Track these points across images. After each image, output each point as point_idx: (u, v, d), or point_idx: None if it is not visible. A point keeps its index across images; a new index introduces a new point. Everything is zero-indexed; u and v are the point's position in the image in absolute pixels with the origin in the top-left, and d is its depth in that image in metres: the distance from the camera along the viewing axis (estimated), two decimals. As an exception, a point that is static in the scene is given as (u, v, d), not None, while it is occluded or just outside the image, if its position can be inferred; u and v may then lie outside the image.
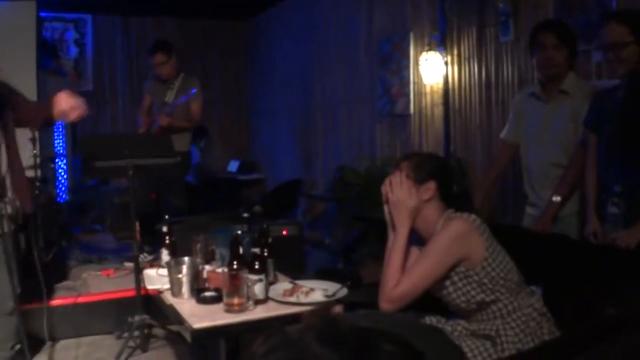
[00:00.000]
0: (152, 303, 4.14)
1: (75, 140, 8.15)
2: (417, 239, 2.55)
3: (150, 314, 4.11)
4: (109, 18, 8.82)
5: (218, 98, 9.03)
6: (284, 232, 4.53)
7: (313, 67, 7.58)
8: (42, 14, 7.67)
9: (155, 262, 5.04)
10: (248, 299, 2.80)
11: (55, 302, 4.57)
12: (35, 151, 5.36)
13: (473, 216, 2.43)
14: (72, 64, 8.68)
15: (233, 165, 8.90)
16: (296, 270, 3.65)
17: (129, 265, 5.22)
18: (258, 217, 3.96)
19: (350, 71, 6.80)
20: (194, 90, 5.59)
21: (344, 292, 2.99)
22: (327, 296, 2.95)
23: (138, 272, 4.04)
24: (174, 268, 3.05)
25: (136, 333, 4.15)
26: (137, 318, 4.06)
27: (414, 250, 2.54)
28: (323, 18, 7.28)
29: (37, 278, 4.77)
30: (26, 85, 6.91)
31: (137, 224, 4.15)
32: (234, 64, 9.42)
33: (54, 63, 8.34)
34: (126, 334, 4.18)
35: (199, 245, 3.33)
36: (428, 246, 2.41)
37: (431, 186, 2.44)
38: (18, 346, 3.50)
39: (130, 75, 8.81)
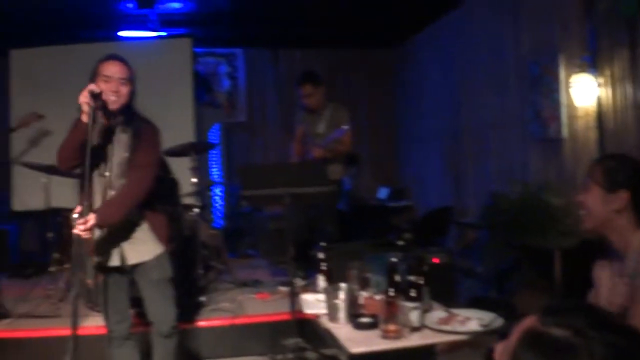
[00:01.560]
0: (305, 327, 4.24)
1: (230, 169, 8.53)
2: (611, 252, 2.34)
3: (304, 338, 4.20)
4: (259, 51, 9.17)
5: (367, 125, 9.09)
6: (435, 260, 4.50)
7: (462, 91, 7.51)
8: (196, 50, 8.14)
9: (308, 287, 5.17)
10: (404, 326, 2.82)
11: (213, 322, 4.79)
12: (194, 179, 5.68)
13: None
14: (226, 96, 9.09)
15: (382, 192, 8.89)
16: (447, 299, 3.61)
17: (283, 289, 5.37)
18: (410, 244, 3.97)
19: (500, 94, 6.68)
20: (344, 128, 5.65)
21: (499, 321, 2.94)
22: (483, 325, 2.91)
23: (293, 296, 4.14)
24: (331, 294, 3.12)
25: (290, 356, 4.24)
26: (291, 341, 4.16)
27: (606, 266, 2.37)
28: (471, 42, 7.21)
29: (195, 299, 5.07)
30: (184, 117, 7.41)
31: (292, 249, 4.26)
32: (382, 91, 9.47)
33: (208, 96, 8.81)
34: (280, 357, 4.31)
35: (354, 272, 3.38)
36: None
37: (623, 196, 2.20)
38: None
39: (281, 105, 9.07)
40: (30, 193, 7.20)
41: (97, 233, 3.25)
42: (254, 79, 9.18)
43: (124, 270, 3.41)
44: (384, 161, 9.43)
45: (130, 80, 3.31)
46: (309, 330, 4.23)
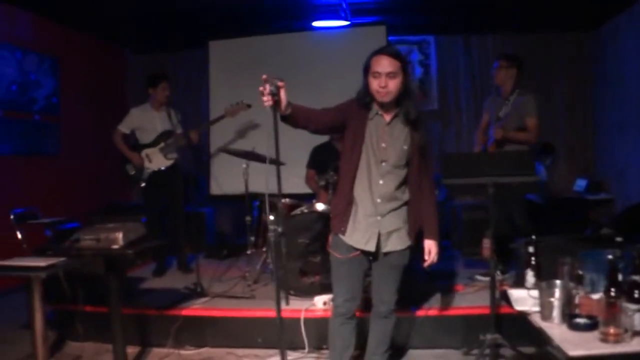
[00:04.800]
0: (503, 323, 4.10)
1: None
2: None
3: (501, 334, 4.05)
4: (451, 38, 8.96)
5: (562, 113, 8.64)
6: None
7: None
8: (389, 38, 8.12)
9: (504, 282, 5.02)
10: (625, 330, 2.62)
11: (405, 313, 4.69)
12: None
13: None
14: (418, 84, 8.98)
15: (579, 184, 8.42)
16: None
17: (479, 282, 5.25)
18: (628, 241, 3.70)
19: None
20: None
21: None
22: None
23: (494, 290, 4.01)
24: (546, 291, 2.98)
25: (486, 351, 4.11)
26: (489, 336, 4.03)
27: None
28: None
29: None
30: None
31: (490, 242, 4.13)
32: (579, 76, 8.87)
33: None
34: (475, 351, 4.18)
35: (566, 268, 3.20)
36: None
37: None
38: (389, 352, 3.72)
39: (474, 93, 8.84)
40: (227, 178, 7.56)
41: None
42: (446, 67, 8.98)
43: (374, 255, 3.48)
44: (581, 151, 8.86)
45: (401, 71, 3.33)
46: (506, 326, 4.10)
